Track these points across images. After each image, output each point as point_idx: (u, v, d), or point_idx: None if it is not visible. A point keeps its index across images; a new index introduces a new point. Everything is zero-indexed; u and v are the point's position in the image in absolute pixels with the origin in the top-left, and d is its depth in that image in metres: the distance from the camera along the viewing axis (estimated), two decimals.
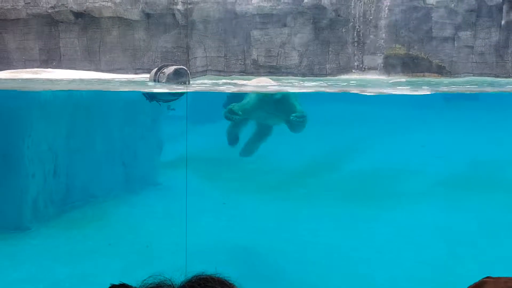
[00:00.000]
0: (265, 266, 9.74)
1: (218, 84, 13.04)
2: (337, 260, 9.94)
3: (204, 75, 14.20)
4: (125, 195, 13.25)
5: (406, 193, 13.54)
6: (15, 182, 11.05)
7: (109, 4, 14.29)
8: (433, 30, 13.87)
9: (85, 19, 14.51)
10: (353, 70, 14.08)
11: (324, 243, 10.74)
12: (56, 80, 13.04)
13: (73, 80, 13.12)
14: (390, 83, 13.23)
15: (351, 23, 14.01)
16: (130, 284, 1.45)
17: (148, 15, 14.35)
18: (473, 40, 13.78)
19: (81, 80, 13.24)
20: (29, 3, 14.44)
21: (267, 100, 11.22)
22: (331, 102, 13.87)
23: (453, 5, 13.77)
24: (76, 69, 14.27)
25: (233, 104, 10.86)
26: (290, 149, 12.35)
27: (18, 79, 13.12)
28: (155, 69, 12.01)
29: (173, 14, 14.22)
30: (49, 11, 14.47)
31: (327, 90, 12.89)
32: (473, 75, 13.77)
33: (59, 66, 14.40)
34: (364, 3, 13.92)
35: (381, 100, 14.18)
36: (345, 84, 13.34)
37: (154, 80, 11.66)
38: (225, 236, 11.19)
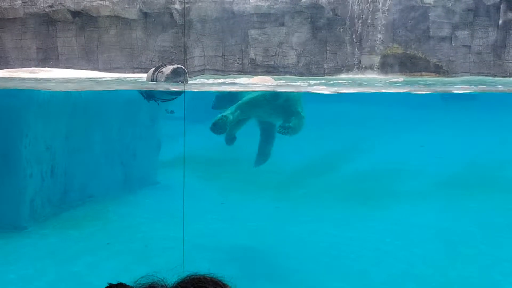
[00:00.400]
0: (264, 266, 9.74)
1: (217, 84, 13.03)
2: (336, 260, 9.94)
3: (202, 75, 14.18)
4: (123, 195, 13.25)
5: (404, 193, 13.55)
6: (13, 182, 11.03)
7: (107, 3, 14.27)
8: (430, 30, 13.87)
9: (83, 18, 14.48)
10: (351, 70, 14.08)
11: (323, 243, 10.74)
12: (54, 79, 13.02)
13: (71, 79, 13.10)
14: (388, 82, 13.23)
15: (349, 23, 14.01)
16: (127, 284, 1.45)
17: (145, 14, 14.33)
18: (471, 39, 13.79)
19: (79, 79, 13.22)
20: (27, 2, 14.41)
21: (263, 102, 11.17)
22: (328, 102, 13.88)
23: (450, 4, 13.78)
24: (73, 68, 14.25)
25: (220, 116, 10.64)
26: (288, 149, 12.35)
27: (15, 78, 13.10)
28: (153, 68, 11.99)
29: (171, 13, 14.20)
30: (47, 10, 14.44)
31: (325, 90, 12.88)
32: (471, 75, 13.77)
33: (56, 65, 14.37)
34: (361, 2, 13.92)
35: (378, 100, 14.19)
36: (342, 83, 13.33)
37: (152, 80, 11.64)
38: (223, 235, 11.19)
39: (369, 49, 14.01)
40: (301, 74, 14.14)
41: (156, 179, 14.35)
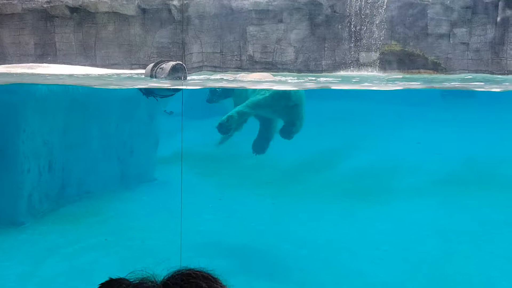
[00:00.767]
0: (261, 262, 9.74)
1: (215, 80, 13.02)
2: (333, 256, 9.95)
3: (200, 71, 14.18)
4: (121, 191, 13.24)
5: (402, 190, 13.56)
6: (10, 177, 11.02)
7: None
8: (428, 27, 13.88)
9: (81, 14, 14.47)
10: (349, 67, 14.08)
11: (321, 240, 10.75)
12: (51, 75, 13.00)
13: (68, 75, 13.08)
14: (386, 79, 13.24)
15: (347, 19, 14.01)
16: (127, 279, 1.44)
17: (144, 10, 14.31)
18: (469, 37, 13.80)
19: (77, 75, 13.20)
20: None
21: (272, 103, 11.13)
22: (326, 99, 13.89)
23: (448, 1, 13.79)
24: (71, 64, 14.24)
25: (227, 116, 10.59)
26: (286, 146, 12.34)
27: (13, 74, 13.08)
28: (152, 64, 11.97)
29: (169, 10, 14.19)
30: (45, 6, 14.42)
31: (323, 86, 12.88)
32: (469, 72, 13.79)
33: (54, 61, 14.36)
34: None
35: (376, 97, 14.19)
36: (340, 80, 13.34)
37: (151, 76, 11.62)
38: (220, 231, 11.20)
39: (367, 46, 14.01)
40: (299, 71, 14.15)
41: (153, 175, 14.34)
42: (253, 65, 14.20)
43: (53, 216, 11.54)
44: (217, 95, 12.06)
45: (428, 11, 13.84)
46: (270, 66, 14.15)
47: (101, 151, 13.27)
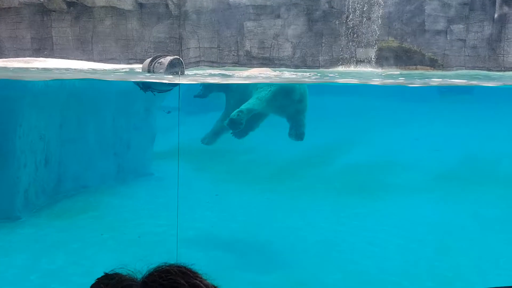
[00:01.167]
0: (257, 257, 9.76)
1: (213, 75, 13.00)
2: (329, 252, 9.97)
3: (197, 66, 14.16)
4: (117, 186, 13.24)
5: (399, 186, 13.59)
6: (6, 172, 11.01)
7: None
8: (426, 23, 13.87)
9: (78, 8, 14.42)
10: (346, 62, 14.08)
11: (317, 235, 10.77)
12: (48, 70, 12.97)
13: (65, 70, 13.05)
14: (383, 75, 13.25)
15: (345, 15, 14.00)
16: (122, 273, 1.44)
17: (141, 5, 14.28)
18: (466, 33, 13.80)
19: (73, 70, 13.17)
20: None
21: (279, 97, 11.07)
22: (324, 94, 13.89)
23: None
24: (68, 59, 14.20)
25: (237, 111, 10.48)
26: (283, 141, 12.34)
27: (9, 68, 13.05)
28: (149, 59, 11.95)
29: (166, 4, 14.16)
30: (41, 0, 14.37)
31: (321, 81, 12.89)
32: (466, 69, 13.79)
33: (51, 55, 14.31)
34: None
35: (373, 93, 14.20)
36: (338, 76, 13.33)
37: (148, 71, 11.60)
38: (217, 227, 11.21)
39: (364, 42, 14.01)
40: (296, 66, 14.14)
41: (150, 170, 14.35)
42: (250, 61, 14.18)
43: (49, 210, 11.54)
44: (208, 90, 12.00)
45: (425, 7, 13.83)
46: (267, 62, 14.13)
47: (97, 146, 13.26)
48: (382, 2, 13.83)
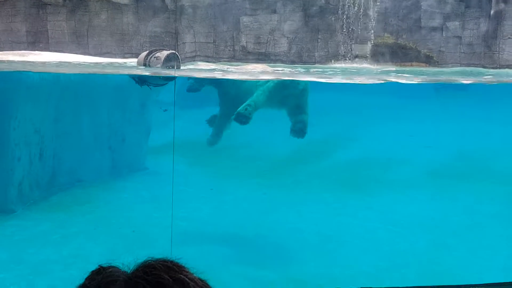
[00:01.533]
0: (253, 252, 9.78)
1: (209, 70, 13.00)
2: (324, 247, 10.00)
3: (193, 61, 14.13)
4: (112, 180, 13.23)
5: (393, 182, 13.62)
6: (1, 165, 10.99)
7: None
8: (422, 20, 13.88)
9: (73, 2, 14.37)
10: (342, 58, 14.08)
11: (312, 230, 10.79)
12: (43, 63, 12.93)
13: (60, 63, 13.02)
14: (379, 71, 13.25)
15: (341, 11, 13.99)
16: (118, 266, 1.44)
17: None
18: (462, 30, 13.82)
19: (69, 63, 13.14)
20: None
21: (282, 90, 11.05)
22: (319, 90, 13.87)
23: None
24: (63, 52, 14.15)
25: (244, 105, 10.42)
26: (279, 136, 12.36)
27: (4, 61, 13.00)
28: (145, 53, 11.93)
29: None
30: None
31: (315, 78, 12.89)
32: (461, 65, 13.81)
33: (46, 48, 14.26)
34: None
35: (369, 89, 14.21)
36: (333, 72, 13.34)
37: (144, 65, 11.58)
38: (211, 222, 11.21)
39: (360, 38, 14.01)
40: (292, 62, 14.13)
41: (145, 165, 14.33)
42: (246, 56, 14.17)
43: (43, 204, 11.52)
44: (200, 84, 11.97)
45: (421, 4, 13.84)
46: (263, 57, 14.12)
47: (92, 140, 13.24)
48: None
